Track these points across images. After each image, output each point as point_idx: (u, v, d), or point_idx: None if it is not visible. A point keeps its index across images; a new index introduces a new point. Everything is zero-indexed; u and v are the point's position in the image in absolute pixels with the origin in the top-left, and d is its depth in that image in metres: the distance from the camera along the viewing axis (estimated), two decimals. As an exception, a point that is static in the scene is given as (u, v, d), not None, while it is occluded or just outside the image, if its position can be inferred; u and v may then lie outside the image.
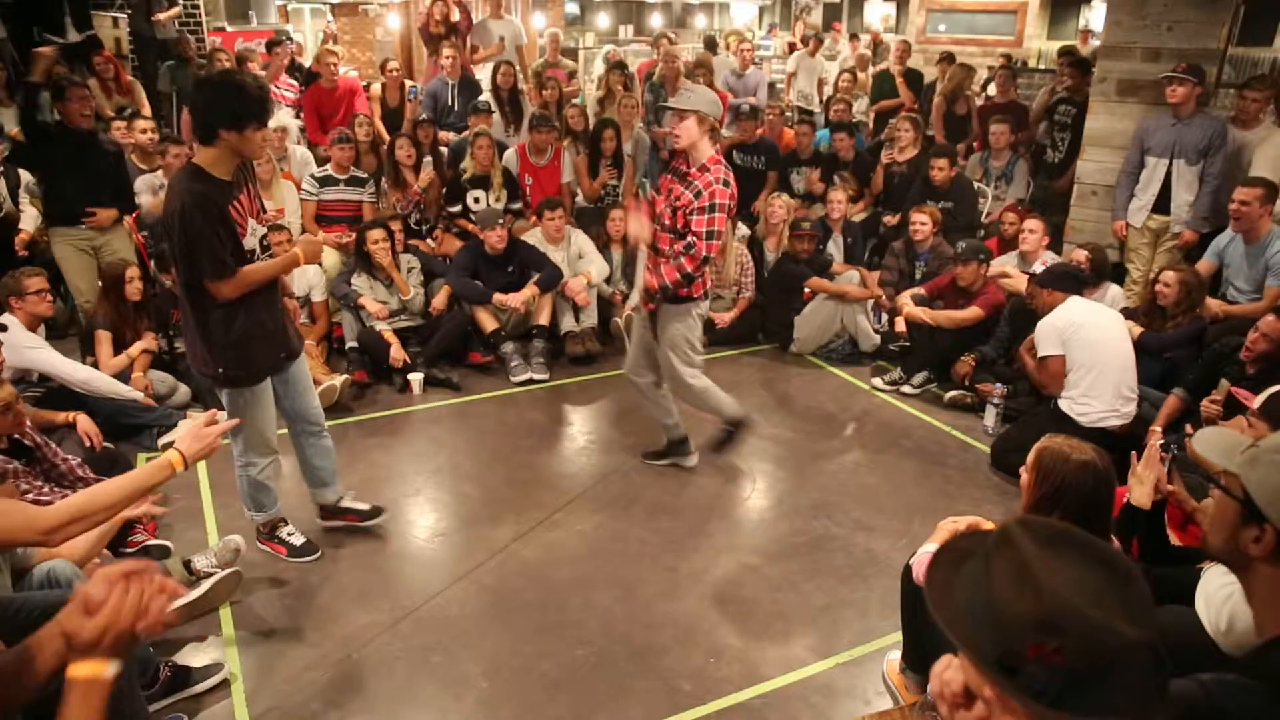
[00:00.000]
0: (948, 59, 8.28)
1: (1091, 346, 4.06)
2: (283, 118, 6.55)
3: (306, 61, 8.55)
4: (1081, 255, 4.90)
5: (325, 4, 12.44)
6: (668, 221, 3.84)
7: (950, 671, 1.15)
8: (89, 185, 5.08)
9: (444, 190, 6.26)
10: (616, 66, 7.99)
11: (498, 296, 5.40)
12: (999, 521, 2.43)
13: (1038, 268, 4.81)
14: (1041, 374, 4.31)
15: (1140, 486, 2.57)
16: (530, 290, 5.45)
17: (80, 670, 1.31)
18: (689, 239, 3.73)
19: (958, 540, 1.20)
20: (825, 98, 9.29)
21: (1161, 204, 5.29)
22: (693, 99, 3.72)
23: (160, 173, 5.71)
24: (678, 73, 7.83)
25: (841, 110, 7.56)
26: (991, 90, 7.65)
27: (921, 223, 5.62)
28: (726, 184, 3.72)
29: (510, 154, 6.49)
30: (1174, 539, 2.78)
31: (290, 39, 9.46)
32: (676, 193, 3.77)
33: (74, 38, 7.57)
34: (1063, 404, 4.09)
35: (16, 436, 3.24)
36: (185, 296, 3.09)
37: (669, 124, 3.77)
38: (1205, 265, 4.90)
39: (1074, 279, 4.35)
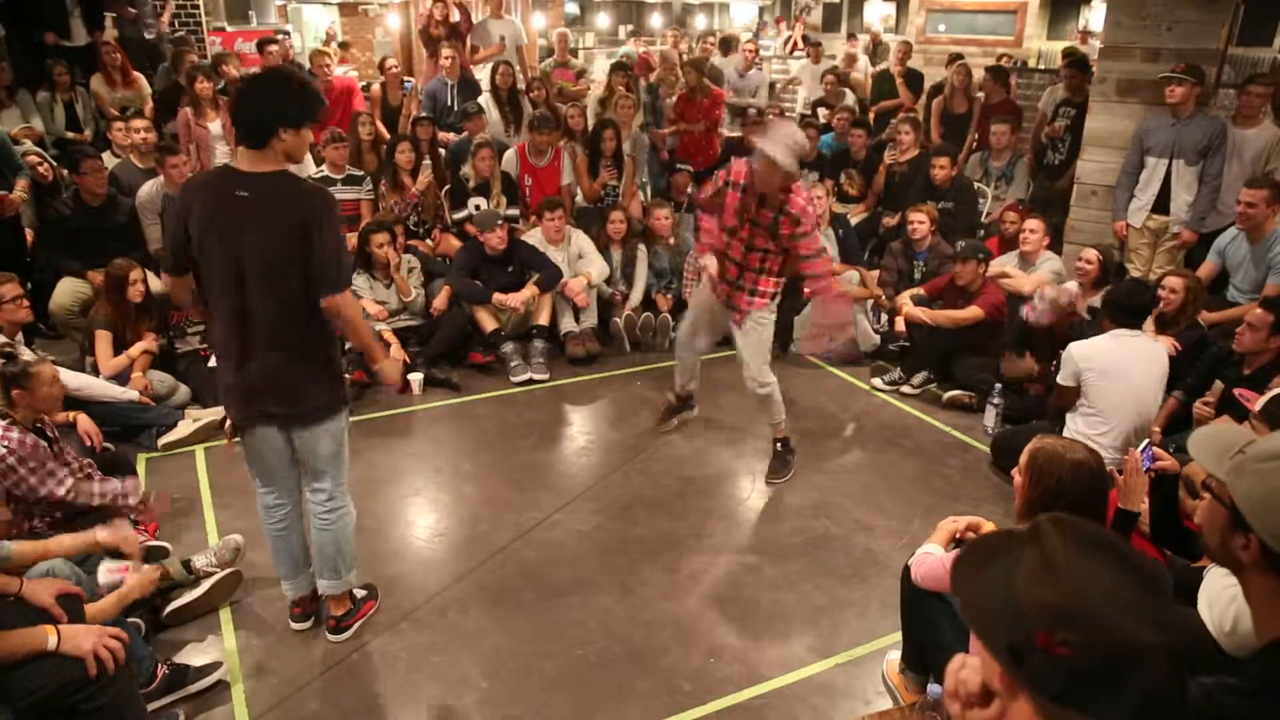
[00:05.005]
0: (959, 61, 8.25)
1: (1105, 396, 3.79)
2: None
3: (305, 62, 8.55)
4: (1092, 255, 4.87)
5: (324, 3, 12.43)
6: (753, 241, 3.96)
7: (966, 670, 1.15)
8: (102, 250, 5.15)
9: (445, 191, 6.27)
10: (618, 67, 7.99)
11: (497, 296, 5.40)
12: (999, 521, 2.43)
13: (1039, 266, 4.83)
14: (1056, 397, 4.14)
15: (1130, 495, 2.58)
16: (530, 290, 5.45)
17: None
18: (814, 269, 3.97)
19: (992, 538, 1.19)
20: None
21: (1161, 204, 5.29)
22: (782, 150, 3.67)
23: (163, 181, 5.62)
24: (674, 73, 7.83)
25: (844, 119, 7.54)
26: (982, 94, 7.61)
27: (920, 221, 5.62)
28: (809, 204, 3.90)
29: (510, 155, 6.49)
30: None
31: (288, 36, 9.47)
32: (765, 216, 3.88)
33: (82, 40, 7.59)
34: (1067, 433, 3.85)
35: (39, 426, 3.25)
36: (299, 314, 2.68)
37: (756, 164, 3.79)
38: (1209, 266, 4.89)
39: (1131, 312, 3.89)
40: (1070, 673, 1.01)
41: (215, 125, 6.52)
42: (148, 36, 8.21)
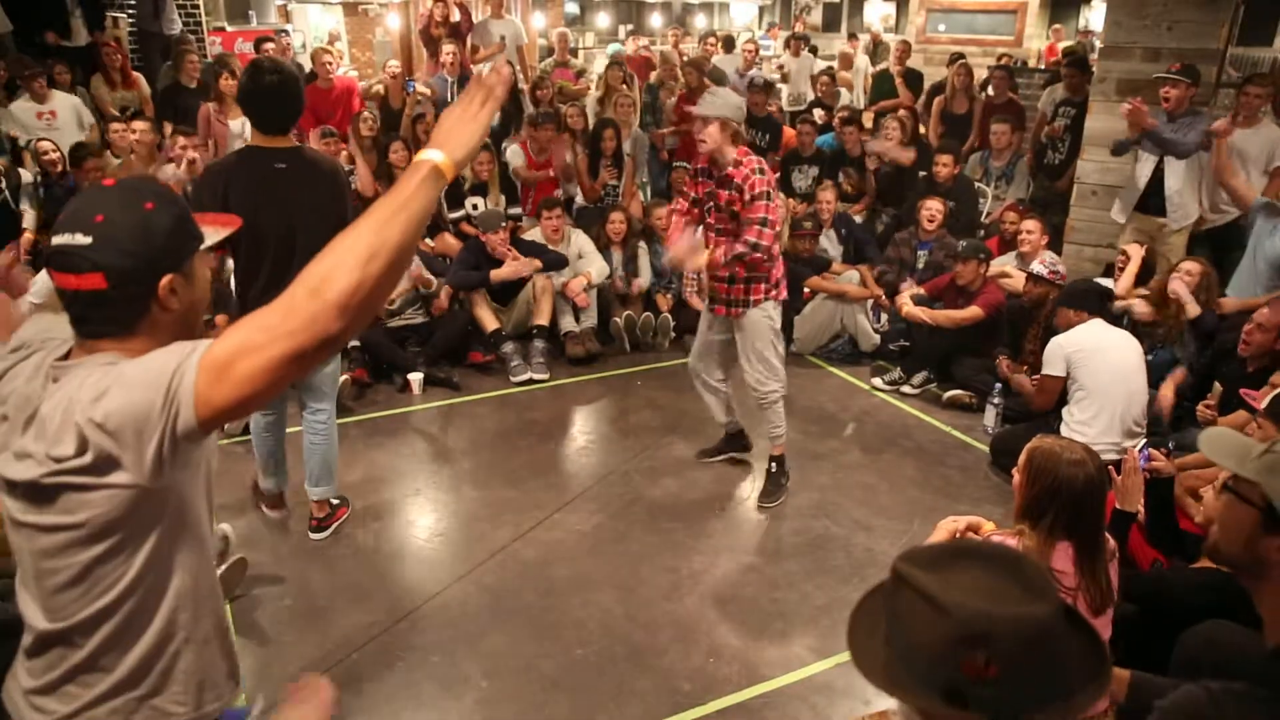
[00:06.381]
0: (960, 60, 8.26)
1: (1096, 375, 3.86)
2: None
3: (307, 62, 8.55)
4: (1136, 251, 4.80)
5: (324, 3, 12.42)
6: (720, 224, 3.79)
7: None
8: None
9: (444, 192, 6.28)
10: (615, 64, 8.00)
11: (494, 273, 5.39)
12: (999, 521, 2.43)
13: (1035, 266, 4.81)
14: (1036, 389, 4.26)
15: (1127, 495, 2.59)
16: (532, 264, 5.44)
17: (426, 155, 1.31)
18: (746, 236, 3.63)
19: (858, 605, 1.21)
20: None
21: (1147, 205, 5.25)
22: (717, 104, 3.65)
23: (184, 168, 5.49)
24: (674, 74, 7.84)
25: (844, 115, 7.53)
26: (990, 90, 7.61)
27: (937, 210, 5.65)
28: (762, 171, 3.66)
29: (514, 149, 6.50)
30: None
31: (288, 34, 9.45)
32: (722, 197, 3.73)
33: (82, 40, 7.59)
34: (1063, 429, 3.90)
35: None
36: None
37: (695, 129, 3.74)
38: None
39: (1097, 297, 4.16)
40: (1009, 683, 1.01)
41: (236, 123, 6.50)
42: (168, 32, 8.21)
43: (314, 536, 3.68)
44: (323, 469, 3.64)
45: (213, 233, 1.42)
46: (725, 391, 4.23)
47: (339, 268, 1.16)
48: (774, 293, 3.88)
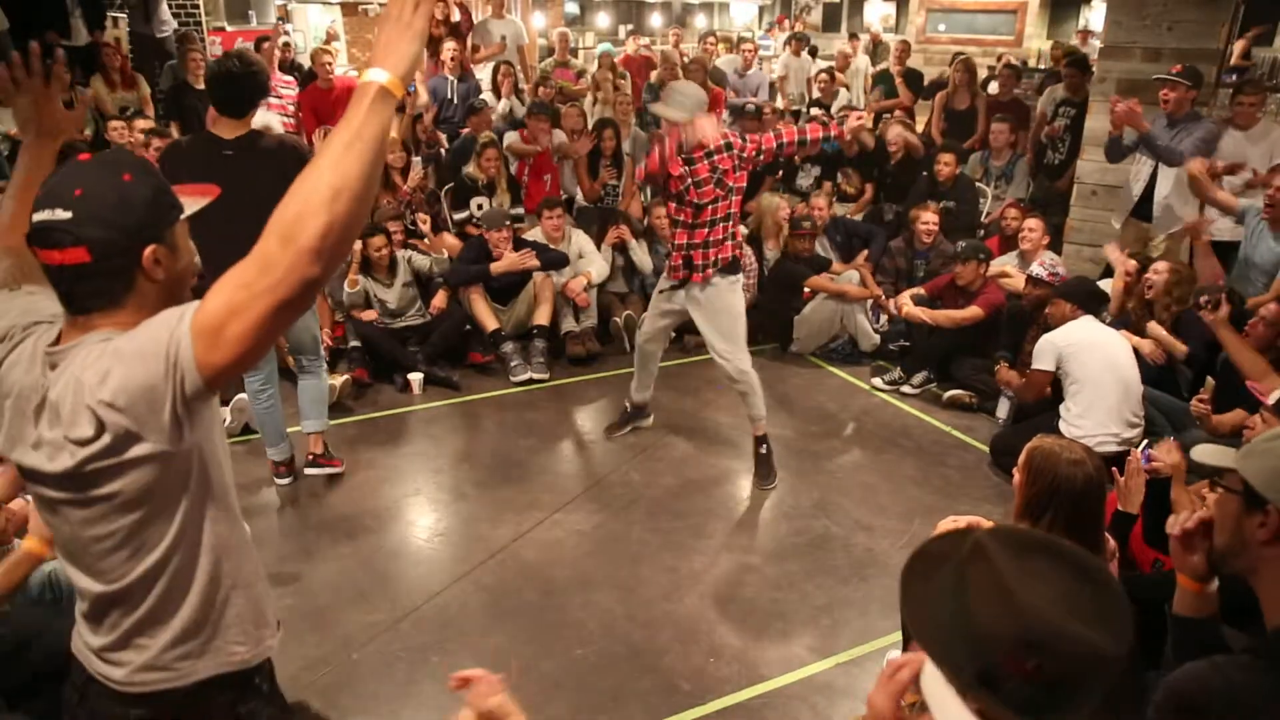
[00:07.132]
0: (961, 57, 8.26)
1: (1088, 367, 3.94)
2: (265, 115, 6.40)
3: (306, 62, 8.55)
4: (1120, 262, 4.79)
5: (324, 3, 12.41)
6: (682, 216, 3.96)
7: (905, 672, 1.15)
8: None
9: (446, 190, 6.27)
10: (603, 66, 8.02)
11: (493, 266, 5.40)
12: (998, 522, 2.42)
13: (1035, 268, 4.81)
14: (1024, 383, 4.33)
15: (1129, 496, 2.59)
16: (532, 260, 5.45)
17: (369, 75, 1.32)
18: (791, 136, 3.90)
19: (930, 546, 1.19)
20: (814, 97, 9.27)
21: (1147, 211, 5.23)
22: (687, 104, 3.72)
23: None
24: (675, 74, 7.84)
25: (844, 114, 7.53)
26: (993, 89, 7.61)
27: (933, 221, 5.64)
28: (742, 137, 3.91)
29: (512, 136, 6.52)
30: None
31: (288, 32, 9.46)
32: (700, 172, 3.82)
33: (82, 40, 7.58)
34: (1061, 425, 3.94)
35: None
36: None
37: (683, 135, 3.73)
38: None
39: (1094, 297, 4.25)
40: (1044, 691, 1.02)
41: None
42: (159, 34, 8.20)
43: (308, 471, 3.97)
44: (314, 405, 3.92)
45: (191, 202, 1.44)
46: (654, 370, 4.59)
47: (306, 212, 1.17)
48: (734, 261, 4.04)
